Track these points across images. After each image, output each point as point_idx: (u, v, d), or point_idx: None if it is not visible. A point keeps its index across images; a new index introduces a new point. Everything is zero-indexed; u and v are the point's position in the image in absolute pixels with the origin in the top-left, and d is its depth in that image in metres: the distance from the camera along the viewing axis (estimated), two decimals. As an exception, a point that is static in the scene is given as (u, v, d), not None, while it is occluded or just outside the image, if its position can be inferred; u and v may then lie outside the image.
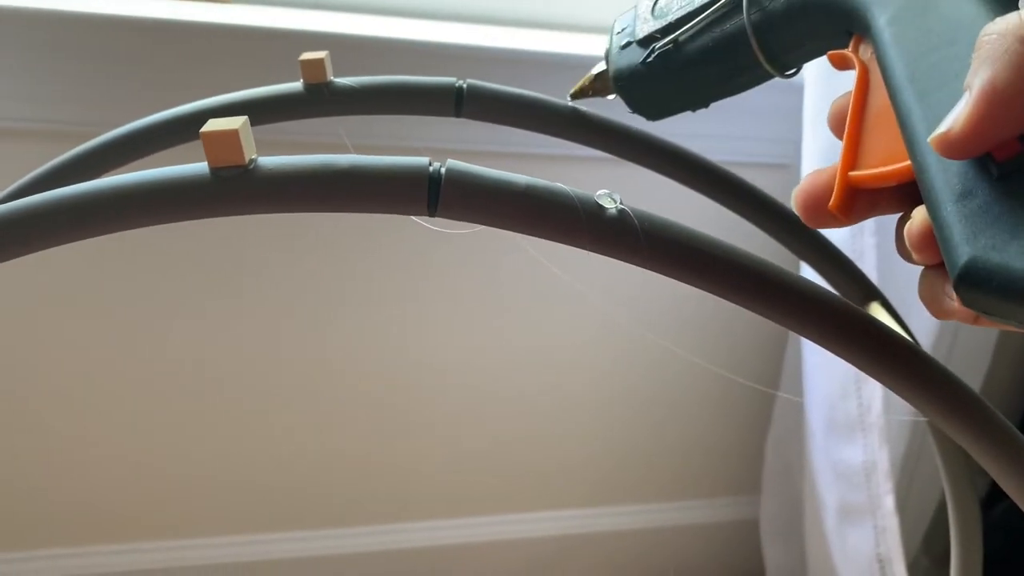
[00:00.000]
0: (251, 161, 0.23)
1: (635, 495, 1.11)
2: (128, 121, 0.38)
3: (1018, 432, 0.27)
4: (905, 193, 0.28)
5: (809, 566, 0.96)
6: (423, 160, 0.23)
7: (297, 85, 0.35)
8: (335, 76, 0.35)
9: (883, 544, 0.79)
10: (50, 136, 0.75)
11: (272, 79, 0.37)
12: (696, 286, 0.23)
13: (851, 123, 0.29)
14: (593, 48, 0.85)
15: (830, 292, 0.26)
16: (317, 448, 0.96)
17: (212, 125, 0.22)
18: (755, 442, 1.09)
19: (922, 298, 0.27)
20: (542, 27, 0.91)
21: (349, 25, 0.80)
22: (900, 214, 0.28)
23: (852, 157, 0.29)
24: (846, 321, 0.26)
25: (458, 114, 0.36)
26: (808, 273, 0.48)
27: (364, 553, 1.01)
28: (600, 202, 0.23)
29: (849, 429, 0.81)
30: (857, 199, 0.28)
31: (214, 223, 0.82)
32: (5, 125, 0.74)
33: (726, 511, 1.14)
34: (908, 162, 0.26)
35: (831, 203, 0.28)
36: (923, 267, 0.27)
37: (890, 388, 0.27)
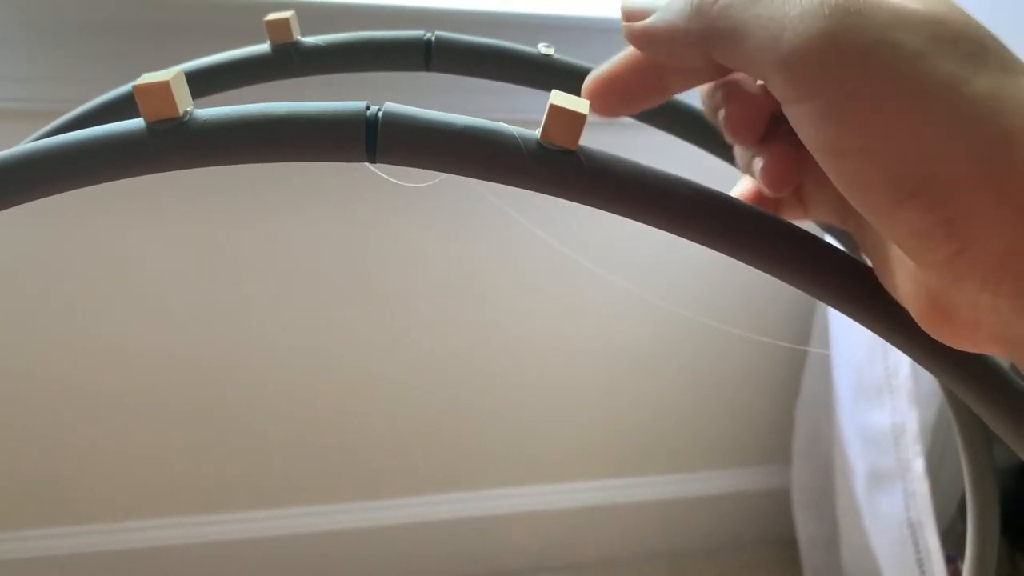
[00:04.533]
0: (186, 113, 0.22)
1: (665, 465, 1.10)
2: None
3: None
4: None
5: (841, 533, 0.95)
6: (360, 104, 0.22)
7: (264, 47, 0.34)
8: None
9: (913, 508, 0.77)
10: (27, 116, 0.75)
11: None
12: (644, 221, 0.22)
13: None
14: (564, 8, 0.83)
15: (803, 231, 0.24)
16: (333, 422, 0.96)
17: (144, 79, 0.22)
18: (785, 411, 1.07)
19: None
20: None
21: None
22: None
23: None
24: (826, 260, 0.25)
25: (427, 67, 0.35)
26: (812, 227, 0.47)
27: (385, 526, 1.02)
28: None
29: (877, 392, 0.79)
30: None
31: (218, 211, 0.82)
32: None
33: (757, 480, 1.13)
34: None
35: None
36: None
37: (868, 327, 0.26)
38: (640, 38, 0.23)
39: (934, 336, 0.21)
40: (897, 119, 0.18)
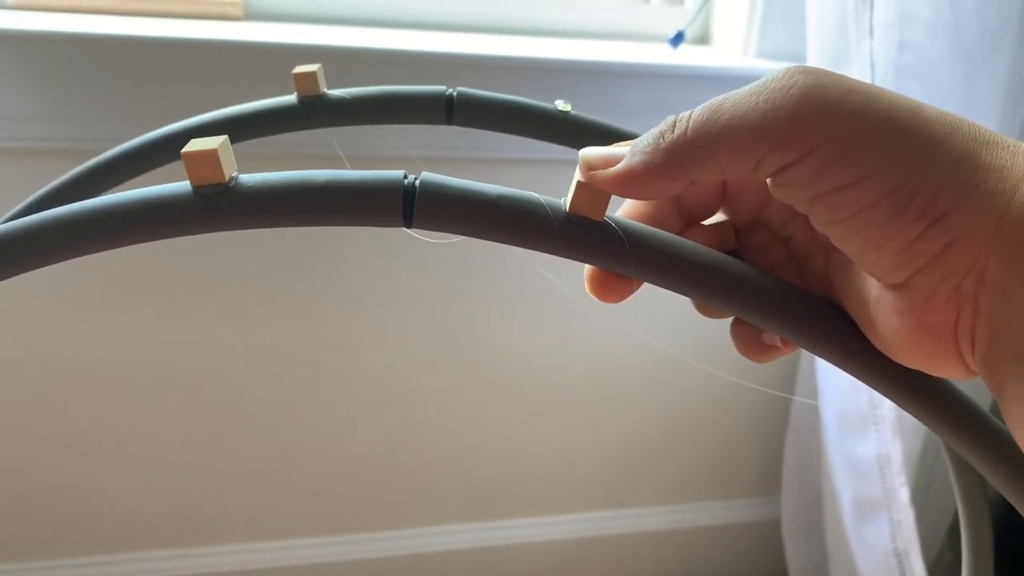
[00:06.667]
0: (231, 179, 0.23)
1: (657, 497, 1.11)
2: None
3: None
4: None
5: (831, 563, 0.96)
6: (398, 173, 0.23)
7: (291, 98, 0.36)
8: (330, 88, 0.36)
9: (899, 537, 0.78)
10: (65, 154, 0.76)
11: (275, 93, 0.37)
12: (665, 287, 0.23)
13: None
14: (583, 54, 0.85)
15: (821, 298, 0.26)
16: (329, 454, 0.97)
17: (193, 145, 0.23)
18: (774, 442, 1.08)
19: (742, 353, 0.29)
20: (529, 33, 0.92)
21: (350, 38, 0.81)
22: None
23: None
24: (829, 323, 0.26)
25: (449, 122, 0.36)
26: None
27: (380, 558, 1.02)
28: (571, 209, 0.23)
29: (862, 423, 0.81)
30: None
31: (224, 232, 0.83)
32: (17, 145, 0.76)
33: (747, 512, 1.14)
34: None
35: None
36: (731, 324, 0.29)
37: (888, 398, 0.27)
38: (620, 183, 0.24)
39: (918, 364, 0.24)
40: (884, 144, 0.22)
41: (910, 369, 0.25)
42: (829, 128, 0.22)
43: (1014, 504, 0.28)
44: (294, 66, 0.35)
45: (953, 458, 0.40)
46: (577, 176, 0.23)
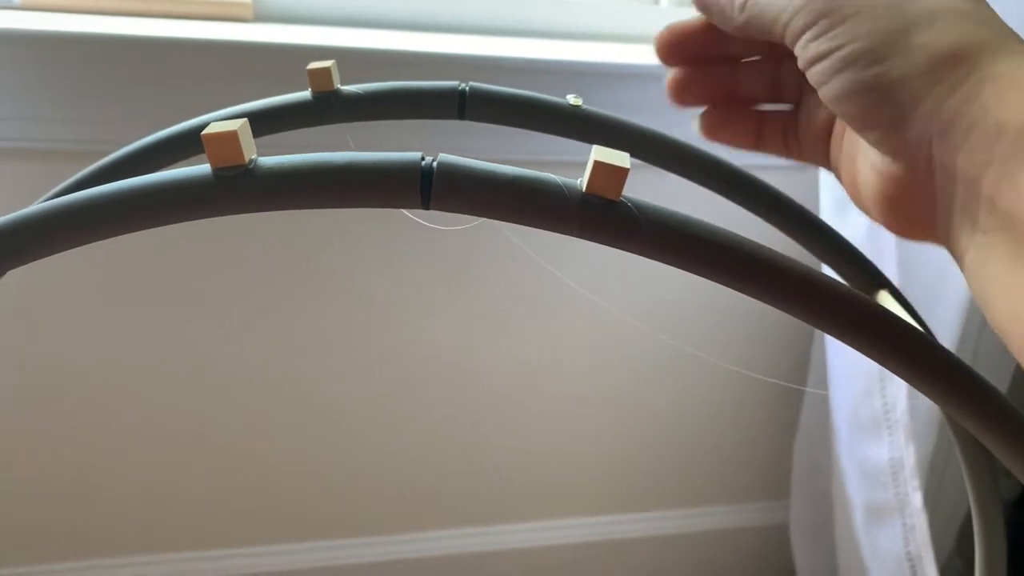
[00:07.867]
0: (251, 161, 0.23)
1: (664, 501, 1.10)
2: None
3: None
4: None
5: (840, 568, 0.95)
6: (416, 155, 0.23)
7: (305, 94, 0.36)
8: (343, 85, 0.36)
9: (912, 542, 0.78)
10: (74, 155, 0.77)
11: (284, 93, 0.38)
12: (681, 267, 0.23)
13: None
14: (593, 56, 0.86)
15: (831, 278, 0.26)
16: (338, 457, 0.97)
17: (213, 128, 0.23)
18: (783, 446, 1.08)
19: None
20: (539, 36, 0.93)
21: (359, 39, 0.81)
22: None
23: None
24: (845, 303, 0.26)
25: (462, 116, 0.36)
26: (828, 272, 0.48)
27: (385, 562, 1.02)
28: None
29: (874, 427, 0.80)
30: None
31: (223, 234, 0.83)
32: (25, 146, 0.76)
33: (756, 516, 1.13)
34: None
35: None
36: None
37: (895, 373, 0.28)
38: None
39: (896, 221, 0.30)
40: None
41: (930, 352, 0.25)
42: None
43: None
44: (303, 67, 0.36)
45: (966, 456, 0.40)
46: (594, 156, 0.23)
